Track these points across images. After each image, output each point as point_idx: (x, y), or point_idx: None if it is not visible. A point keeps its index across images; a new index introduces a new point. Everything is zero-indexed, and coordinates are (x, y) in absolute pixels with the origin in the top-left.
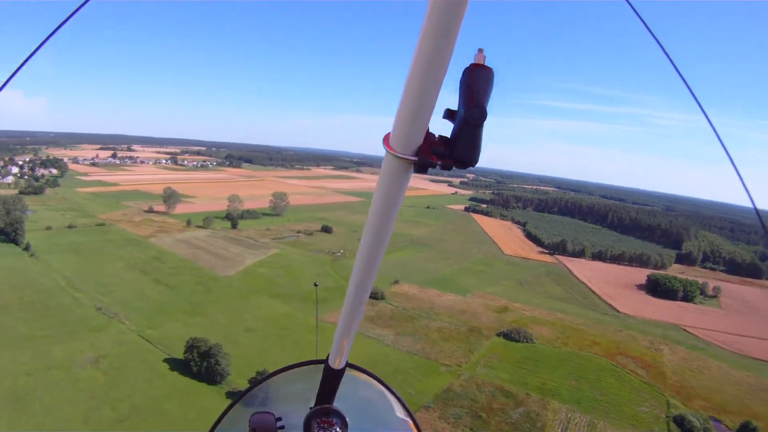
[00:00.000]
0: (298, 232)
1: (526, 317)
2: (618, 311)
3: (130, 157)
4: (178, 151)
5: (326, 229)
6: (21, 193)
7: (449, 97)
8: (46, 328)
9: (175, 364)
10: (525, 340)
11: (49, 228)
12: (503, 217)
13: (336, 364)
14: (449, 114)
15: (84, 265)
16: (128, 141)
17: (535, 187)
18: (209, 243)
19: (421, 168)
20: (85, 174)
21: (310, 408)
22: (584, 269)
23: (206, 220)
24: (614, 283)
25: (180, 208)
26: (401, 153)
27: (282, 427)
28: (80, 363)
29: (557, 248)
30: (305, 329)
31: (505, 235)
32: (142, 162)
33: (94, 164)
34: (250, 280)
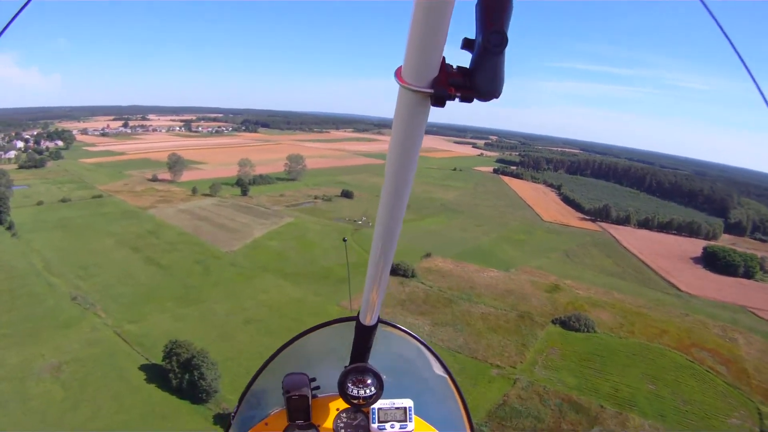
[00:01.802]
0: (316, 197)
1: (581, 298)
2: (680, 290)
3: (142, 126)
4: (193, 118)
5: (347, 194)
6: (21, 167)
7: (466, 28)
8: (7, 326)
9: (153, 373)
10: (586, 329)
11: (40, 203)
12: (534, 179)
13: (367, 320)
14: (467, 43)
15: (69, 243)
16: (144, 111)
17: (561, 149)
18: (215, 213)
19: (438, 101)
20: (93, 145)
21: (345, 367)
22: (632, 239)
23: (213, 187)
24: (667, 256)
25: (187, 176)
26: (415, 85)
27: (317, 388)
28: (36, 372)
29: (599, 214)
30: (321, 319)
31: (540, 199)
32: (154, 130)
33: (103, 134)
34: (258, 255)
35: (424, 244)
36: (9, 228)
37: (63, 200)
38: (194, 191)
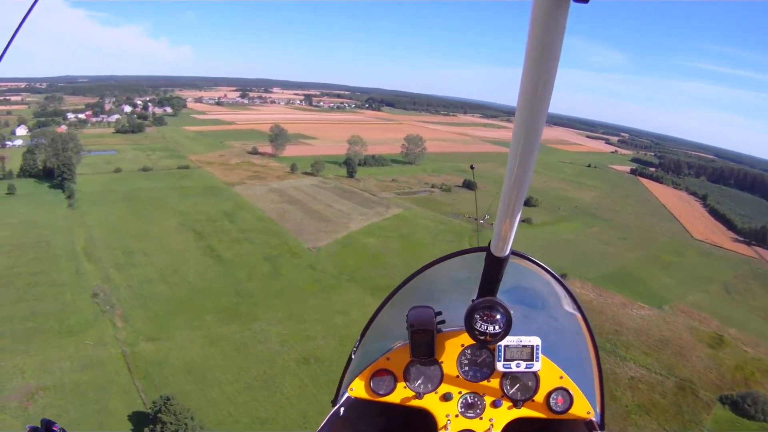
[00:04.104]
0: (433, 186)
1: (751, 360)
2: None
3: (261, 98)
4: (318, 93)
5: (468, 185)
6: (117, 131)
7: None
8: (4, 322)
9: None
10: (762, 417)
11: (118, 171)
12: (676, 185)
13: (498, 251)
14: None
15: (125, 221)
16: (269, 85)
17: (697, 154)
18: (310, 195)
19: None
20: (203, 113)
21: (472, 300)
22: None
23: (315, 165)
24: None
25: (293, 150)
26: None
27: (442, 322)
28: (4, 399)
29: (755, 236)
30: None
31: (686, 210)
32: (272, 102)
33: (218, 104)
34: (348, 255)
35: (558, 257)
36: (69, 197)
37: (144, 169)
38: (293, 168)
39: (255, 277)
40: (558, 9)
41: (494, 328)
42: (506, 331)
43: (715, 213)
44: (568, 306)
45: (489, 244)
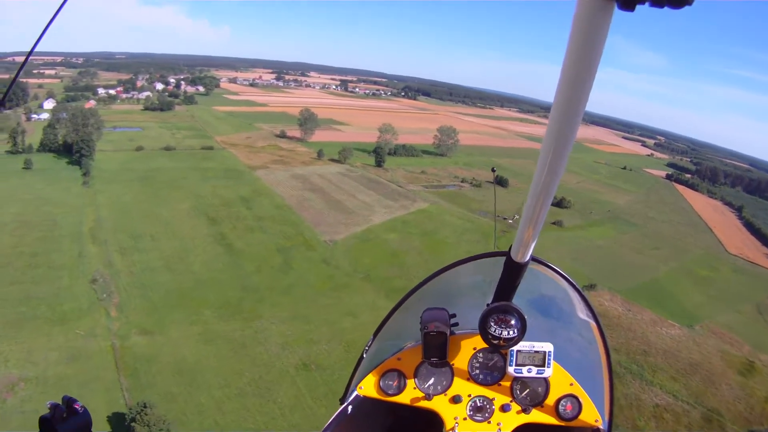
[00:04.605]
0: (463, 180)
1: None
2: None
3: (296, 81)
4: (354, 79)
5: (500, 181)
6: (146, 108)
7: None
8: None
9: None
10: None
11: (140, 149)
12: (711, 194)
13: (519, 257)
14: None
15: (139, 202)
16: (308, 69)
17: (732, 162)
18: (334, 184)
19: (626, 2)
20: (236, 93)
21: (487, 304)
22: None
23: (343, 153)
24: None
25: (323, 136)
26: None
27: (455, 324)
28: None
29: None
30: None
31: (721, 221)
32: (307, 86)
33: (252, 85)
34: (366, 251)
35: (588, 265)
36: (85, 174)
37: (167, 148)
38: (319, 155)
39: (264, 270)
40: (602, 13)
41: (508, 333)
42: (520, 336)
43: (750, 226)
44: (583, 314)
45: (510, 248)
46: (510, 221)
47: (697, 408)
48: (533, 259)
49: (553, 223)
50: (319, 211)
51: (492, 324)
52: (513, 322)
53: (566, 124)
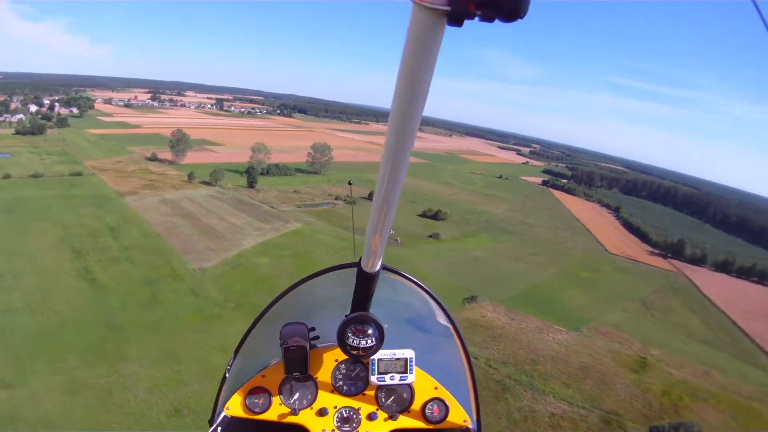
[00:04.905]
0: (336, 198)
1: (677, 383)
2: None
3: (171, 100)
4: (230, 98)
5: (371, 196)
6: (17, 133)
7: None
8: None
9: None
10: None
11: (7, 177)
12: (588, 197)
13: (369, 267)
14: None
15: (1, 237)
16: (185, 88)
17: (608, 165)
18: (205, 207)
19: (455, 19)
20: (110, 115)
21: (345, 316)
22: (713, 286)
23: (214, 174)
24: (757, 313)
25: (196, 157)
26: (430, 1)
27: (315, 338)
28: None
29: (671, 249)
30: None
31: (599, 222)
32: (182, 106)
33: (127, 106)
34: (236, 278)
35: (468, 277)
36: None
37: (35, 175)
38: (190, 177)
39: (130, 305)
40: (434, 28)
41: (367, 342)
42: (378, 345)
43: (629, 226)
44: (441, 319)
45: (360, 260)
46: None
47: (594, 411)
48: (384, 267)
49: (430, 236)
50: (188, 238)
51: (350, 335)
52: (370, 331)
53: (403, 134)
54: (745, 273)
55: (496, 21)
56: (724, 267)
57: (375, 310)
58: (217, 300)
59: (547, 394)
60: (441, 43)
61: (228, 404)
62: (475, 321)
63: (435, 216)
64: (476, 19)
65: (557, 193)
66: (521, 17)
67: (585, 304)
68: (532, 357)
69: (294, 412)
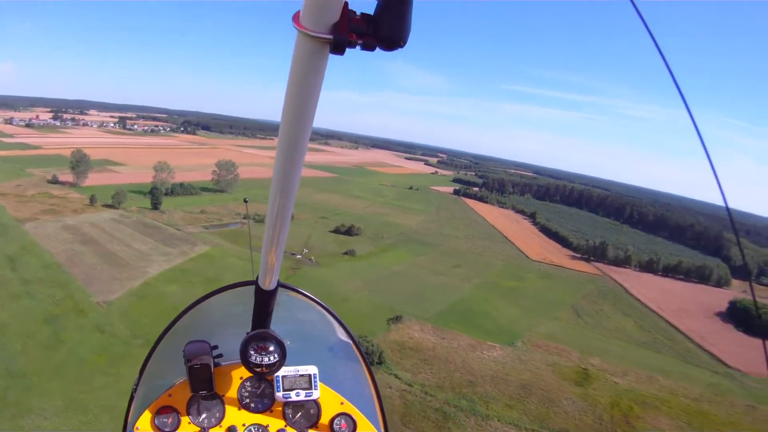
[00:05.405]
0: (245, 217)
1: (623, 391)
2: (728, 366)
3: (73, 119)
4: (133, 116)
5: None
6: None
7: None
8: None
9: None
10: None
11: None
12: (501, 204)
13: (266, 284)
14: None
15: None
16: (88, 106)
17: (516, 171)
18: (108, 233)
19: (338, 47)
20: (10, 136)
21: (246, 333)
22: (640, 287)
23: (117, 197)
24: (690, 312)
25: (98, 179)
26: (314, 30)
27: (219, 356)
28: None
29: (593, 252)
30: None
31: (516, 229)
32: (85, 125)
33: (28, 126)
34: (143, 311)
35: (389, 295)
36: None
37: None
38: (92, 200)
39: (31, 348)
40: (318, 55)
41: (269, 359)
42: (281, 362)
43: (546, 231)
44: (342, 335)
45: (257, 278)
46: (299, 256)
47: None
48: (282, 285)
49: (345, 253)
50: (91, 267)
51: (252, 352)
52: (272, 348)
53: (292, 152)
54: (671, 271)
55: (377, 50)
56: (649, 267)
57: (276, 327)
58: (124, 336)
59: (491, 418)
60: (325, 69)
61: (137, 424)
62: (404, 343)
63: (348, 231)
64: (358, 48)
65: (470, 202)
66: (401, 46)
67: (515, 315)
68: (469, 378)
69: (204, 431)
